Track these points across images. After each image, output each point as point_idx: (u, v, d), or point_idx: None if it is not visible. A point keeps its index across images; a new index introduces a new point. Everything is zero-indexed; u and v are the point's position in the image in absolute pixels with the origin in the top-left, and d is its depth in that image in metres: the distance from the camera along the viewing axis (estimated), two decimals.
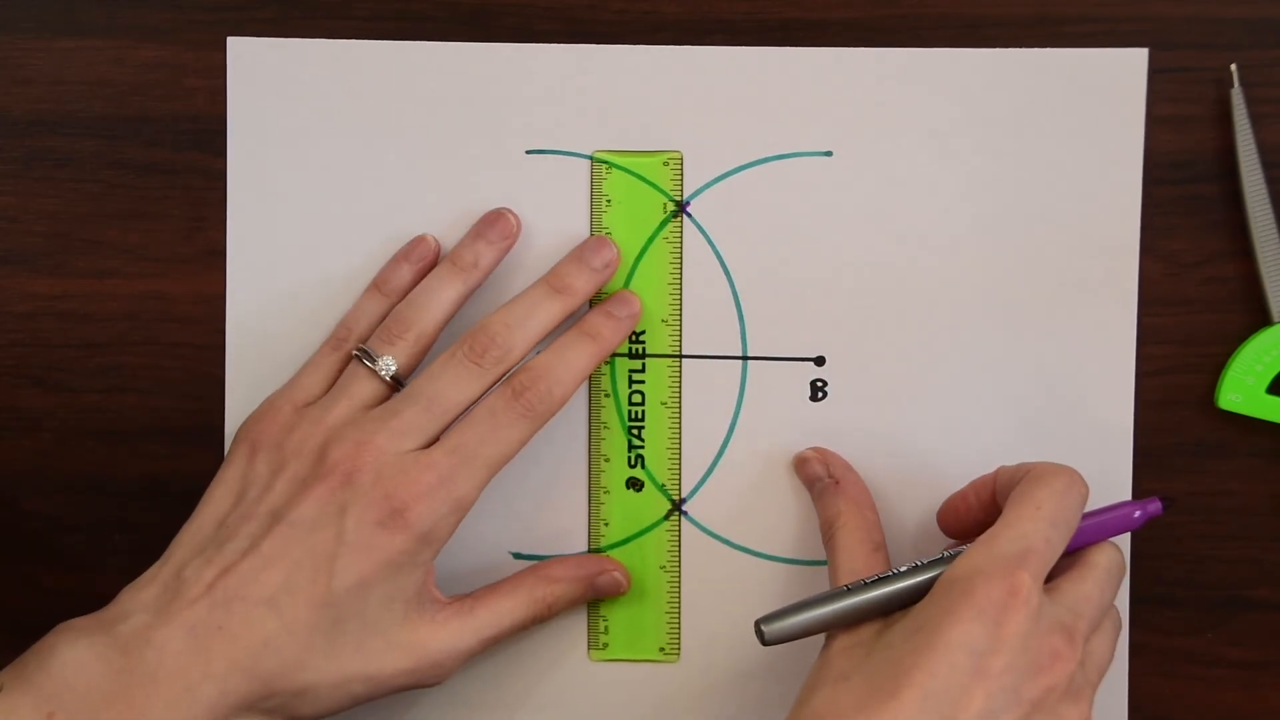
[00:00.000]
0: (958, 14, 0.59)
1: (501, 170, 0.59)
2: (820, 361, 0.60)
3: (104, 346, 0.60)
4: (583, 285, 0.58)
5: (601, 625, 0.60)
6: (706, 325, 0.60)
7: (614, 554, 0.60)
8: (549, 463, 0.60)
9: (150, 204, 0.60)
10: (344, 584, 0.53)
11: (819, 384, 0.60)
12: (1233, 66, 0.58)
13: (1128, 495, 0.59)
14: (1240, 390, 0.59)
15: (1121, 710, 0.60)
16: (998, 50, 0.59)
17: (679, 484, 0.60)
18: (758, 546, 0.60)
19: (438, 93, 0.60)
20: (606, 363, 0.60)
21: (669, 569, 0.60)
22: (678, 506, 0.60)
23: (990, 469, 0.58)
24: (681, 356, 0.60)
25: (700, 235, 0.59)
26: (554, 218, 0.60)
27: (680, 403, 0.60)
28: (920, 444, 0.59)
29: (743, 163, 0.59)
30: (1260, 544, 0.60)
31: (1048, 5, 0.59)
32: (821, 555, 0.58)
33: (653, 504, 0.60)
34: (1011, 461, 0.57)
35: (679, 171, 0.59)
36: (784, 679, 0.60)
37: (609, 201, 0.59)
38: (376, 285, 0.59)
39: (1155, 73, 0.59)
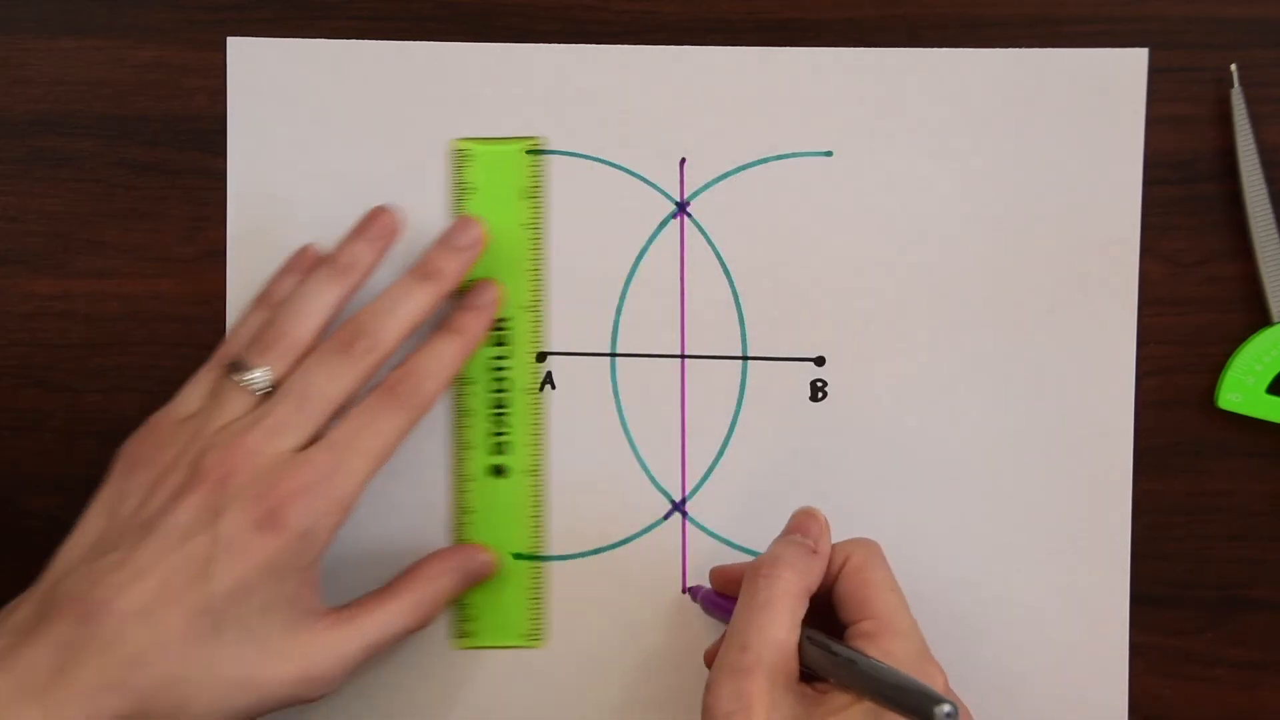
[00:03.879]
0: (958, 14, 0.59)
1: (499, 172, 0.59)
2: (820, 362, 0.60)
3: (104, 346, 0.60)
4: (450, 267, 0.58)
5: (465, 613, 0.60)
6: (707, 325, 0.60)
7: (609, 555, 0.60)
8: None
9: (150, 204, 0.60)
10: (222, 588, 0.51)
11: (819, 384, 0.60)
12: (1233, 66, 0.58)
13: (1128, 495, 0.59)
14: (1240, 390, 0.59)
15: (1121, 710, 0.60)
16: (997, 50, 0.59)
17: (541, 469, 0.60)
18: (759, 546, 0.60)
19: (437, 92, 0.60)
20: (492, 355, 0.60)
21: (532, 556, 0.60)
22: (678, 507, 0.60)
23: (990, 469, 0.59)
24: (683, 357, 0.60)
25: (700, 235, 0.59)
26: (552, 218, 0.59)
27: (684, 402, 0.60)
28: (920, 443, 0.59)
29: (743, 163, 0.59)
30: (1260, 544, 0.60)
31: (1048, 5, 0.59)
32: None
33: (517, 489, 0.60)
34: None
35: (539, 157, 0.59)
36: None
37: (469, 189, 0.60)
38: (262, 299, 0.58)
39: (1155, 72, 0.59)
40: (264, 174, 0.60)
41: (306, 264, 0.59)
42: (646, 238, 0.60)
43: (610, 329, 0.60)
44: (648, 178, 0.59)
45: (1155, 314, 0.59)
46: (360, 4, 0.60)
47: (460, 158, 0.60)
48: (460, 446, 0.60)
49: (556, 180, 0.60)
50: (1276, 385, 0.59)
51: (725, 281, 0.60)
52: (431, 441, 0.60)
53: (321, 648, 0.54)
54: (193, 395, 0.56)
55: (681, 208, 0.59)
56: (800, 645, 0.51)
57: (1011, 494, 0.59)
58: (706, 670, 0.56)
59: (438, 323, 0.58)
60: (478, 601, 0.60)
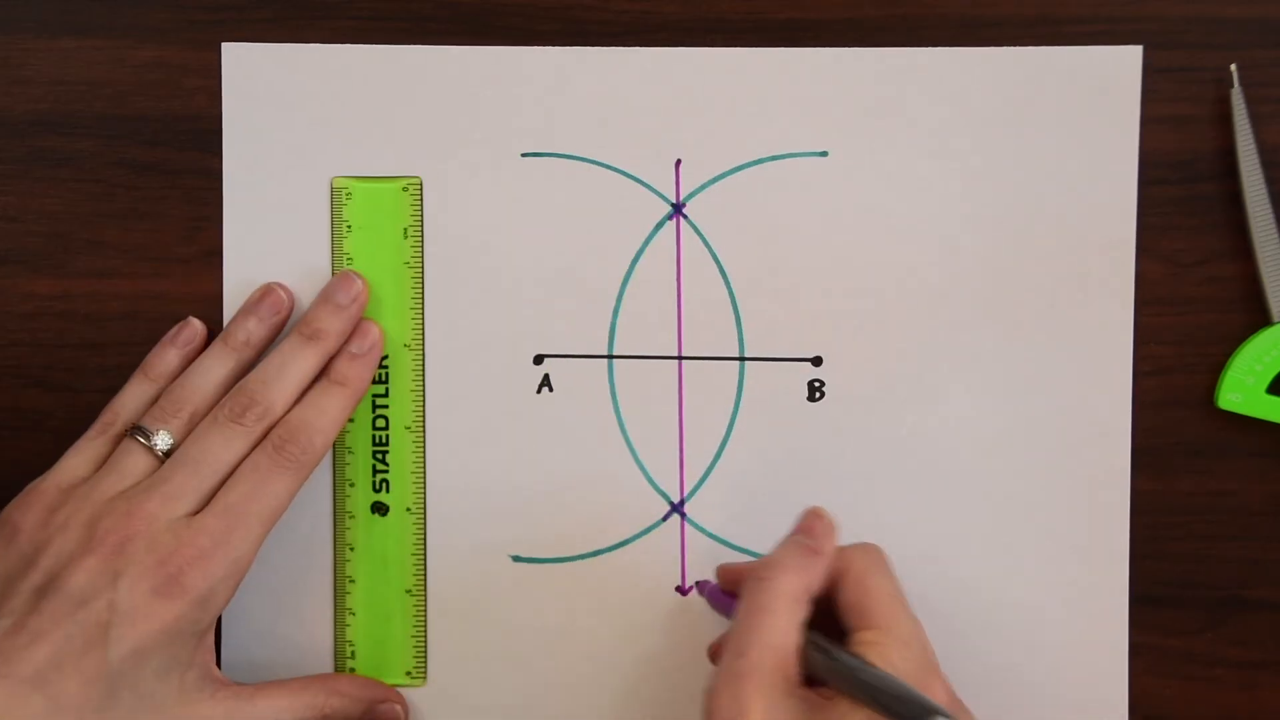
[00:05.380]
0: (957, 14, 0.59)
1: (496, 173, 0.60)
2: (818, 362, 0.60)
3: (104, 346, 0.60)
4: (334, 326, 0.58)
5: (348, 650, 0.60)
6: (704, 326, 0.60)
7: (608, 556, 0.60)
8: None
9: (150, 204, 0.60)
10: (119, 654, 0.51)
11: (816, 384, 0.60)
12: (1233, 66, 0.58)
13: (1126, 494, 0.59)
14: (1240, 390, 0.58)
15: (1121, 710, 0.60)
16: (992, 49, 0.59)
17: (423, 506, 0.60)
18: (757, 547, 0.60)
19: (432, 96, 0.60)
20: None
21: (415, 593, 0.60)
22: (676, 508, 0.60)
23: (988, 469, 0.59)
24: (680, 359, 0.60)
25: (697, 236, 0.59)
26: (549, 221, 0.60)
27: (681, 404, 0.60)
28: (918, 443, 0.59)
29: (739, 164, 0.59)
30: (1260, 544, 0.60)
31: (1047, 5, 0.59)
32: None
33: (398, 526, 0.60)
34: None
35: (418, 197, 0.60)
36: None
37: (349, 227, 0.60)
38: (143, 370, 0.59)
39: (1155, 72, 0.59)
40: (259, 177, 0.60)
41: (186, 338, 0.59)
42: (643, 239, 0.60)
43: (607, 331, 0.60)
44: (643, 179, 0.59)
45: (1155, 314, 0.59)
46: (360, 4, 0.60)
47: (340, 195, 0.60)
48: (342, 483, 0.60)
49: (551, 184, 0.60)
50: (1276, 385, 0.59)
51: (722, 282, 0.60)
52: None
53: (216, 718, 0.54)
54: (78, 462, 0.56)
55: (678, 209, 0.59)
56: (802, 649, 0.51)
57: (1010, 494, 0.59)
58: (711, 665, 0.56)
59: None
60: (360, 638, 0.60)
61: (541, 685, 0.60)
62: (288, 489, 0.55)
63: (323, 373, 0.58)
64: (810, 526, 0.54)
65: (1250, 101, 0.58)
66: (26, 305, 0.60)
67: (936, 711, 0.46)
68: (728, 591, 0.57)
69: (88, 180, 0.60)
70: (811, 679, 0.51)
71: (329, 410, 0.57)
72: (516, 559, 0.60)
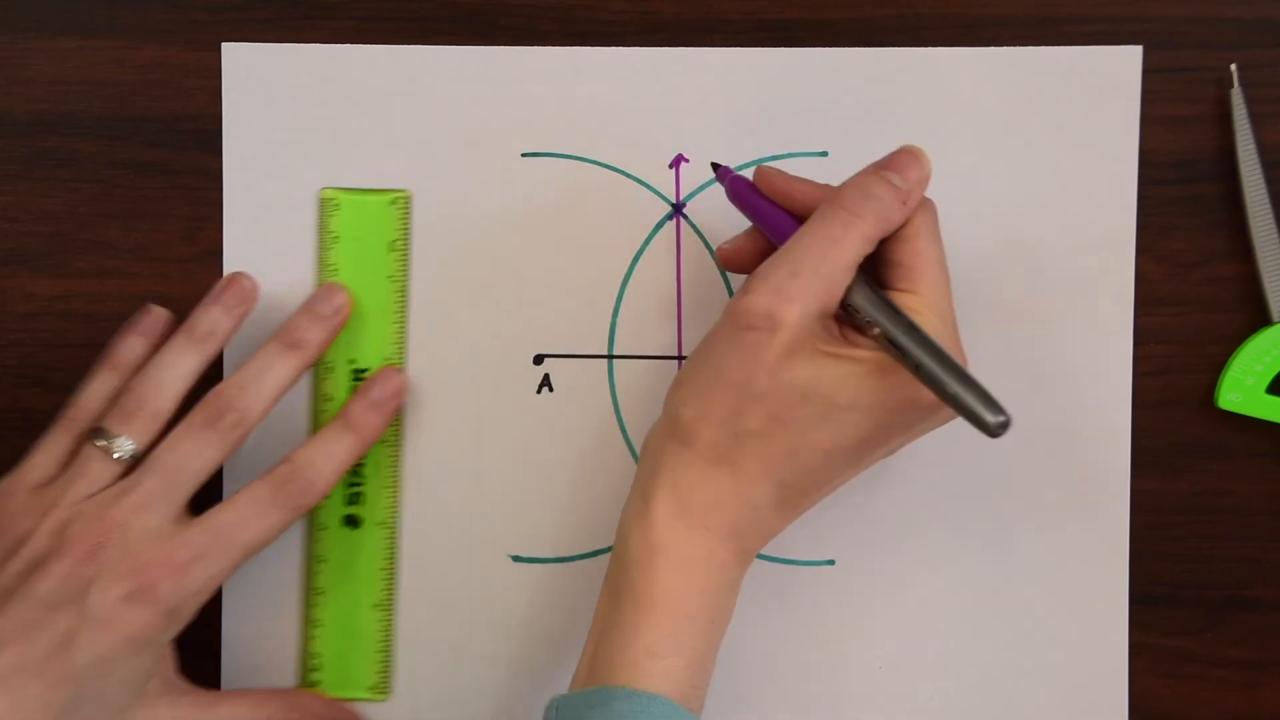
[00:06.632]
0: (957, 14, 0.59)
1: (496, 174, 0.60)
2: None
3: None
4: (315, 336, 0.58)
5: (313, 661, 0.60)
6: (704, 326, 0.59)
7: (602, 559, 0.60)
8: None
9: (150, 204, 0.60)
10: (85, 660, 0.51)
11: None
12: (1233, 66, 0.58)
13: (1126, 493, 0.59)
14: (1240, 390, 0.58)
15: (1121, 710, 0.59)
16: (993, 49, 0.59)
17: (397, 520, 0.60)
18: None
19: (432, 96, 0.60)
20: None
21: (383, 607, 0.60)
22: None
23: (987, 468, 0.58)
24: (680, 359, 0.60)
25: (697, 236, 0.59)
26: (549, 221, 0.60)
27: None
28: (917, 442, 0.59)
29: (739, 164, 0.59)
30: (1260, 544, 0.60)
31: (1047, 5, 0.59)
32: (808, 556, 0.58)
33: (369, 540, 0.60)
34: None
35: (406, 210, 0.59)
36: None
37: (336, 238, 0.59)
38: (107, 360, 0.58)
39: (1155, 73, 0.59)
40: (259, 177, 0.60)
41: (149, 324, 0.58)
42: (643, 240, 0.59)
43: (607, 331, 0.60)
44: (644, 180, 0.59)
45: (1155, 314, 0.59)
46: (360, 4, 0.60)
47: (327, 207, 0.60)
48: None
49: (551, 183, 0.60)
50: (1276, 385, 0.59)
51: (722, 282, 0.60)
52: None
53: None
54: (45, 460, 0.56)
55: (678, 209, 0.59)
56: (850, 289, 0.50)
57: (1010, 493, 0.59)
58: (714, 265, 0.57)
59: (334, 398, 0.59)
60: (325, 650, 0.60)
61: (542, 685, 0.60)
62: (280, 524, 0.55)
63: (340, 415, 0.58)
64: (905, 168, 0.52)
65: (1250, 101, 0.58)
66: (26, 305, 0.60)
67: (1000, 410, 0.45)
68: (764, 195, 0.55)
69: (88, 180, 0.60)
70: (840, 316, 0.51)
71: (336, 456, 0.56)
72: (516, 559, 0.60)
